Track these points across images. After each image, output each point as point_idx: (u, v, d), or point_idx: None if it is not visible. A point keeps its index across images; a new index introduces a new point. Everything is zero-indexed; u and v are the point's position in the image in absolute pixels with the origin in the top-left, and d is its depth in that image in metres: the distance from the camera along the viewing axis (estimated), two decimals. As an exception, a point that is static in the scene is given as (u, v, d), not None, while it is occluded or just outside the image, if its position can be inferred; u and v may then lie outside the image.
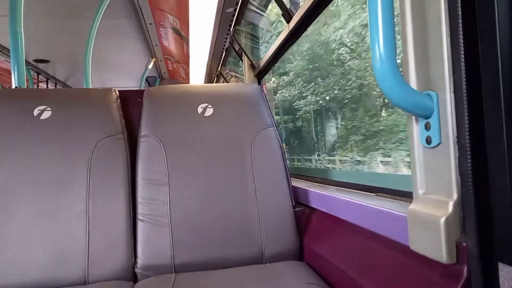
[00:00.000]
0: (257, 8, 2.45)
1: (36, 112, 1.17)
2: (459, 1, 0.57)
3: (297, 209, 1.26)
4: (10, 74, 1.70)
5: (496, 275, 0.55)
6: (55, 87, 5.59)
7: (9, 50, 3.89)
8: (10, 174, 1.10)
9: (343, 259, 0.95)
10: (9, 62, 4.04)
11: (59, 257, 1.06)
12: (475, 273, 0.56)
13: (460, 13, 0.57)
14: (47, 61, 4.66)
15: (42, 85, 5.34)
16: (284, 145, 1.33)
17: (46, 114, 1.18)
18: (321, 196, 1.16)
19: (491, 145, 0.55)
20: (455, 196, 0.58)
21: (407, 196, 0.88)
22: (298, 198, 1.30)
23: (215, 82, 4.29)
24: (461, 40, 0.57)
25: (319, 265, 1.07)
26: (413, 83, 0.65)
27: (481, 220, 0.56)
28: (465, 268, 0.57)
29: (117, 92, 1.31)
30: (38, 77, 5.06)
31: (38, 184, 1.11)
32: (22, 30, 1.66)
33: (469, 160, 0.57)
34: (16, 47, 1.63)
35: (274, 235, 1.16)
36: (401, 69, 0.65)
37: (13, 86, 1.59)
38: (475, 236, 0.56)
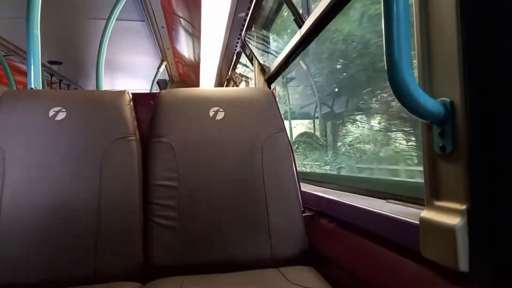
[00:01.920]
0: (269, 13, 2.46)
1: (51, 113, 1.19)
2: (475, 8, 0.57)
3: (306, 213, 1.26)
4: (23, 74, 1.73)
5: (510, 285, 0.54)
6: (68, 89, 5.67)
7: (23, 51, 3.98)
8: (25, 172, 1.12)
9: (352, 265, 0.95)
10: (22, 63, 4.13)
11: (68, 256, 1.07)
12: (488, 282, 0.56)
13: (475, 19, 0.57)
14: (60, 63, 4.73)
15: (55, 87, 5.42)
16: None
17: (61, 115, 1.20)
18: (330, 201, 1.16)
19: (505, 153, 0.55)
20: (469, 204, 0.57)
21: (418, 202, 0.87)
22: (307, 203, 1.30)
23: (225, 86, 4.31)
24: (477, 47, 0.57)
25: (328, 270, 1.07)
26: (428, 90, 0.65)
27: (495, 228, 0.56)
28: (478, 277, 0.57)
29: (130, 95, 1.33)
30: (51, 79, 5.14)
31: (51, 183, 1.12)
32: (39, 32, 1.69)
33: (483, 168, 0.56)
34: (33, 49, 1.66)
35: (283, 239, 1.16)
36: (416, 75, 0.65)
37: (29, 87, 1.61)
38: (489, 245, 0.56)
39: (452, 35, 0.59)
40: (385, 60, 0.59)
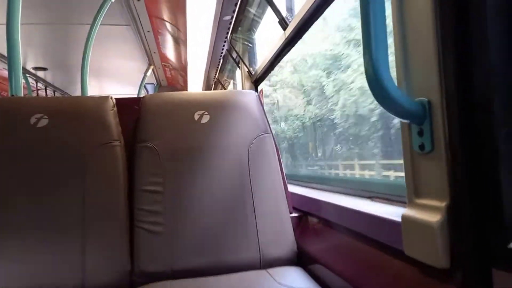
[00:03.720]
0: (254, 16, 2.47)
1: (32, 120, 1.17)
2: (451, 8, 0.58)
3: (293, 214, 1.26)
4: (7, 81, 1.70)
5: (490, 280, 0.55)
6: (54, 95, 5.59)
7: (5, 58, 3.91)
8: (7, 181, 1.10)
9: (340, 264, 0.95)
10: (6, 70, 4.06)
11: (55, 265, 1.05)
12: (469, 278, 0.56)
13: (452, 20, 0.58)
14: (45, 69, 4.66)
15: (41, 93, 5.35)
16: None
17: (43, 122, 1.18)
18: (317, 201, 1.17)
19: (483, 150, 0.56)
20: (448, 201, 0.58)
21: (401, 201, 0.88)
22: (294, 204, 1.30)
23: (213, 89, 4.31)
24: (453, 47, 0.58)
25: (315, 270, 1.07)
26: (406, 90, 0.66)
27: (474, 225, 0.56)
28: (459, 273, 0.57)
29: (114, 100, 1.31)
30: (36, 85, 5.07)
31: (34, 192, 1.11)
32: (20, 38, 1.66)
33: (461, 166, 0.57)
34: (13, 55, 1.63)
35: (271, 240, 1.16)
36: (394, 76, 0.65)
37: (10, 95, 1.59)
38: (468, 241, 0.56)
39: (429, 35, 0.60)
40: (363, 62, 0.60)
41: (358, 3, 0.60)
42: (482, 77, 0.56)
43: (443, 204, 0.58)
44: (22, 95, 1.70)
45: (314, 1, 1.32)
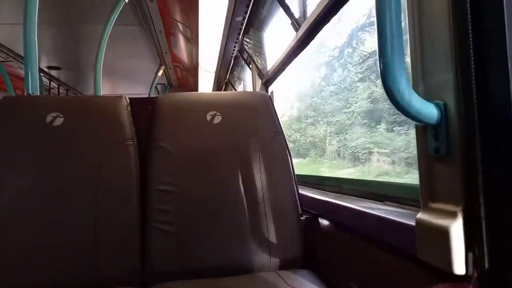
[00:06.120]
0: (266, 17, 2.47)
1: (48, 118, 1.19)
2: (468, 10, 0.57)
3: (304, 217, 1.26)
4: (22, 80, 1.72)
5: (507, 287, 0.54)
6: (66, 94, 5.67)
7: (21, 57, 3.98)
8: (23, 179, 1.12)
9: (350, 267, 0.95)
10: (21, 69, 4.13)
11: (68, 262, 1.07)
12: (485, 284, 0.56)
13: (469, 22, 0.57)
14: (58, 68, 4.72)
15: (54, 92, 5.42)
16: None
17: (58, 121, 1.20)
18: (328, 204, 1.16)
19: (500, 154, 0.55)
20: (464, 206, 0.57)
21: (414, 204, 0.87)
22: (305, 206, 1.30)
23: (224, 90, 4.32)
24: (471, 49, 0.57)
25: (326, 273, 1.07)
26: (422, 92, 0.65)
27: (490, 230, 0.55)
28: (475, 279, 0.56)
29: (128, 100, 1.33)
30: (50, 84, 5.14)
31: (49, 190, 1.12)
32: (36, 38, 1.69)
33: (478, 170, 0.56)
34: (30, 55, 1.65)
35: (281, 242, 1.16)
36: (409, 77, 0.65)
37: (26, 93, 1.61)
38: (484, 246, 0.55)
39: (445, 36, 0.60)
40: (378, 64, 0.60)
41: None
42: (499, 80, 0.55)
43: (458, 209, 0.58)
44: (39, 94, 1.72)
45: (327, 3, 1.31)
